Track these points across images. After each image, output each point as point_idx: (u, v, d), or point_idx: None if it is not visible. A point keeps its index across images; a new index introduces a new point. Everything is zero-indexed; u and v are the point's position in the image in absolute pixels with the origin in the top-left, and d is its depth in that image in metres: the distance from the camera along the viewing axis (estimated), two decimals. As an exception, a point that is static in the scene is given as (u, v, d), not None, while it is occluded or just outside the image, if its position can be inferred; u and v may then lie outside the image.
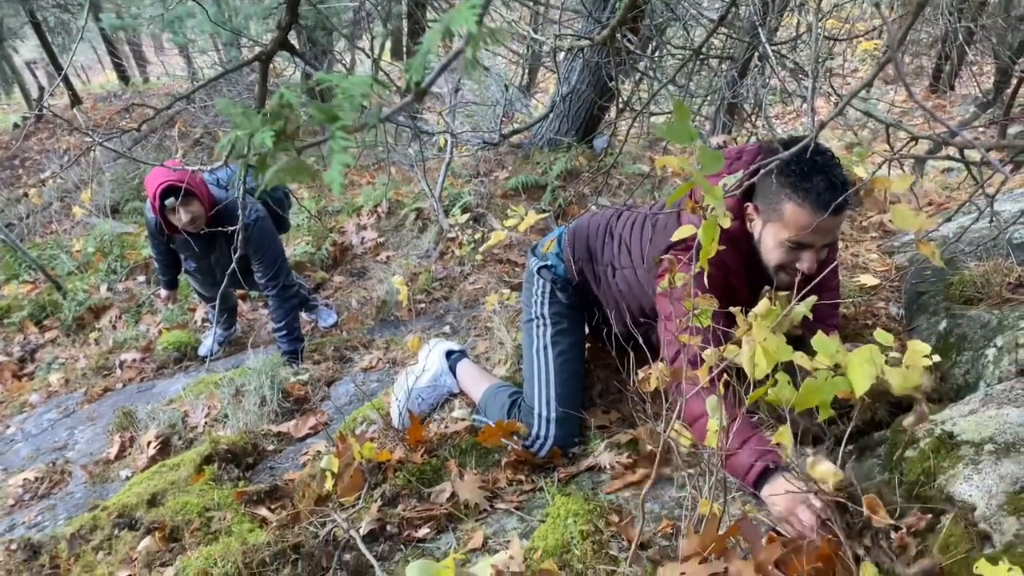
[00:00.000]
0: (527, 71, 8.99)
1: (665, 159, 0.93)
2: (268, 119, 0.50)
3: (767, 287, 1.93)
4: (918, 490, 1.52)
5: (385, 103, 0.51)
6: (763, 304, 1.05)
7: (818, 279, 1.31)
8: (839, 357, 1.00)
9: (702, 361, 1.34)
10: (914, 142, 1.36)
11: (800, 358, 1.00)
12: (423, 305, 4.41)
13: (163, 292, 4.39)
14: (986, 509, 1.36)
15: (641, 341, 1.97)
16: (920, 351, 0.96)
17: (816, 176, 1.80)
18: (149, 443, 3.05)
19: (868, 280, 2.76)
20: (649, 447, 2.04)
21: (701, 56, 4.74)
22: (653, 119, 4.88)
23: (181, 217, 3.45)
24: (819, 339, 0.97)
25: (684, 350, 1.63)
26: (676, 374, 1.37)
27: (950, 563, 1.34)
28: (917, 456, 1.60)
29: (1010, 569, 0.89)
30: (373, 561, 1.80)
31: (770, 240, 1.94)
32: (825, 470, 0.99)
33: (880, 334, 1.13)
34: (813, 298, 1.08)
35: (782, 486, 1.54)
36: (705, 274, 1.44)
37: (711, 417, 1.29)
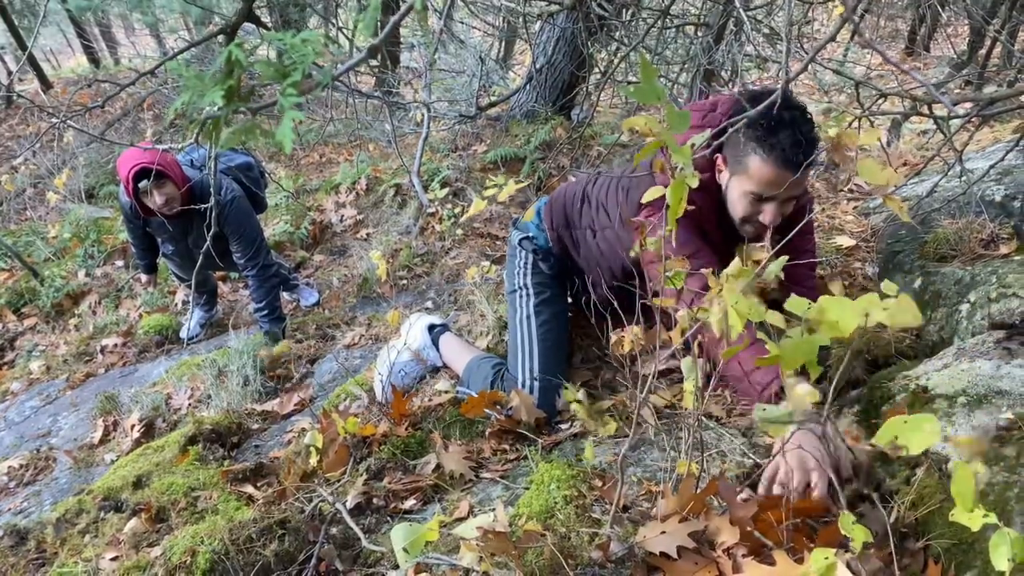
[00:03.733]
0: (503, 43, 8.92)
1: (632, 120, 0.93)
2: (218, 79, 0.50)
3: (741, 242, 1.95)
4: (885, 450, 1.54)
5: (339, 61, 0.50)
6: (735, 264, 1.06)
7: (790, 235, 1.32)
8: (812, 312, 1.01)
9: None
10: (882, 99, 1.37)
11: (773, 318, 1.01)
12: (405, 281, 4.41)
13: (143, 277, 4.35)
14: (959, 460, 1.38)
15: (617, 306, 1.98)
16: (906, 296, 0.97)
17: (783, 131, 1.80)
18: (133, 426, 3.04)
19: (844, 241, 2.78)
20: (629, 411, 2.05)
21: (675, 22, 4.72)
22: (626, 86, 4.87)
23: (155, 199, 3.41)
24: (792, 300, 0.98)
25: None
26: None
27: (923, 514, 1.37)
28: (893, 411, 1.63)
29: (986, 515, 0.91)
30: (360, 533, 1.81)
31: (735, 192, 1.96)
32: (801, 391, 1.00)
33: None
34: (784, 258, 1.09)
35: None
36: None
37: (686, 378, 1.31)
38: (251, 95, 0.53)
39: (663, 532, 1.28)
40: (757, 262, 1.47)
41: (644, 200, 1.28)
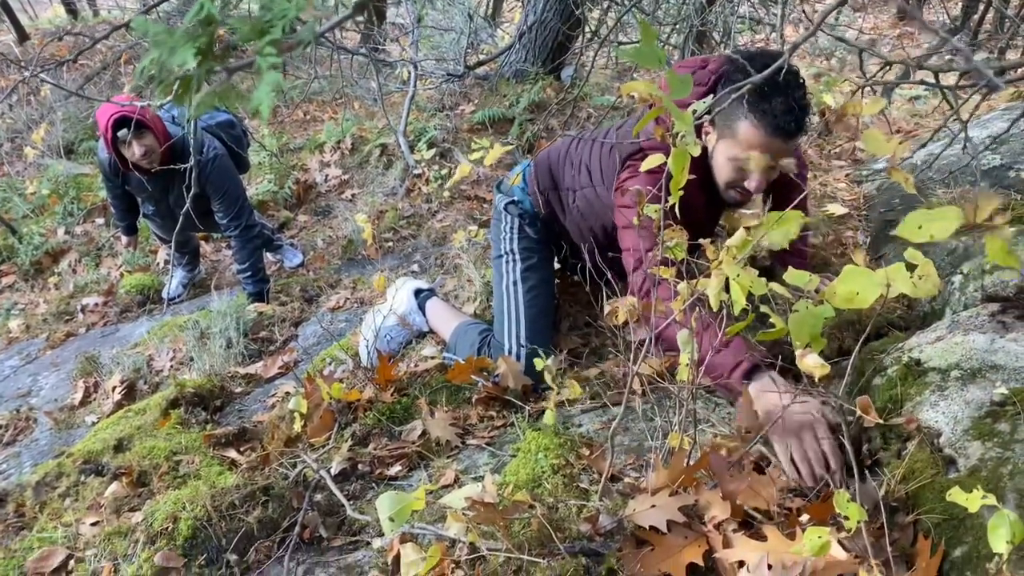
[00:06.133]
0: (492, 0, 8.75)
1: (632, 85, 0.89)
2: (189, 36, 0.45)
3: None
4: (885, 417, 1.53)
5: (323, 17, 0.46)
6: (738, 235, 1.03)
7: (793, 207, 1.28)
8: (812, 284, 0.98)
9: (669, 285, 1.32)
10: (887, 67, 1.33)
11: (780, 289, 0.98)
12: (390, 244, 4.35)
13: (123, 238, 4.27)
14: (951, 435, 1.37)
15: (608, 272, 1.95)
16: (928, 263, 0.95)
17: (776, 97, 1.75)
18: (114, 388, 3.00)
19: (836, 209, 2.76)
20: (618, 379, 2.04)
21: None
22: (621, 48, 4.78)
23: (134, 151, 3.32)
24: (792, 273, 0.95)
25: (648, 274, 1.61)
26: (645, 304, 1.35)
27: (915, 488, 1.36)
28: (884, 383, 1.62)
29: (984, 496, 0.89)
30: (344, 500, 1.79)
31: (721, 156, 1.91)
32: (812, 363, 0.98)
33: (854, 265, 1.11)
34: (788, 228, 1.06)
35: (771, 384, 1.54)
36: (657, 184, 1.41)
37: (683, 351, 1.28)
38: (228, 54, 0.48)
39: (653, 506, 1.27)
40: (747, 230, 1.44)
41: (644, 168, 1.24)
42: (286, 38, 0.44)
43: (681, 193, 1.11)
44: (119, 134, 3.26)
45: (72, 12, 13.01)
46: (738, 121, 1.82)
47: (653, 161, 1.21)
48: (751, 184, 1.89)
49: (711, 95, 1.86)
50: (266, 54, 0.43)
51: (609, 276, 1.70)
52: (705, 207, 2.07)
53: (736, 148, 1.85)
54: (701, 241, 1.22)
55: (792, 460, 1.44)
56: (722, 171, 1.93)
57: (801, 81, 1.80)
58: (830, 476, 1.41)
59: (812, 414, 1.46)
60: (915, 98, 5.19)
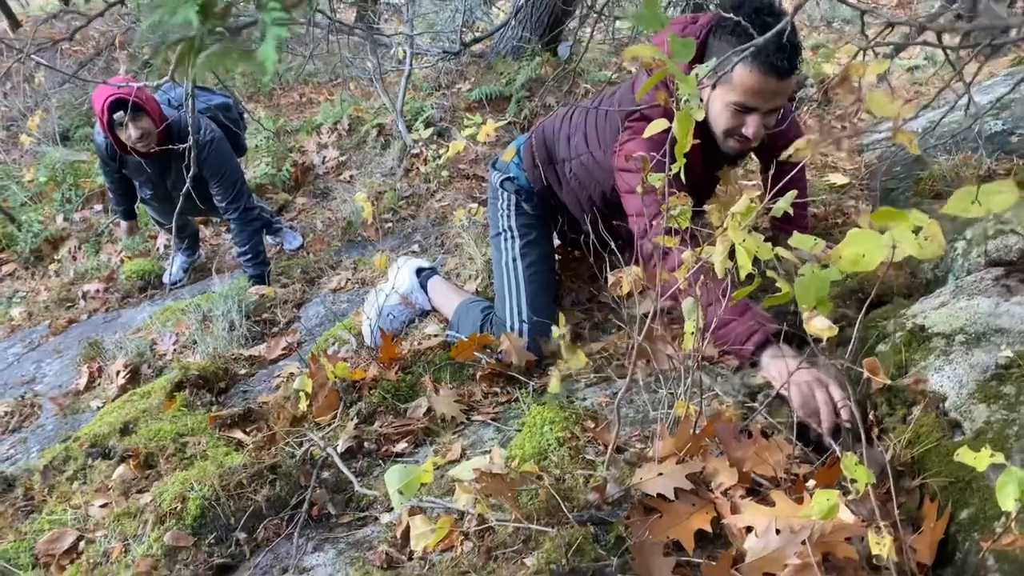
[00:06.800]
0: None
1: (635, 48, 0.88)
2: (188, -9, 0.44)
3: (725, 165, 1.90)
4: (891, 383, 1.53)
5: (325, -27, 0.45)
6: (742, 202, 1.02)
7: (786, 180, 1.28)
8: (818, 248, 0.98)
9: (673, 233, 1.33)
10: (889, 28, 1.31)
11: (785, 254, 0.98)
12: (390, 224, 4.34)
13: (122, 224, 4.25)
14: (956, 398, 1.37)
15: (612, 243, 1.95)
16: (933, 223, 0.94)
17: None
18: (118, 372, 3.00)
19: (837, 179, 2.75)
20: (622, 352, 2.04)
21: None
22: (618, 22, 4.75)
23: (131, 133, 3.30)
24: (798, 238, 0.95)
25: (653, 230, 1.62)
26: (649, 274, 1.34)
27: (920, 452, 1.36)
28: (889, 350, 1.62)
29: (992, 454, 0.89)
30: (351, 477, 1.80)
31: (717, 104, 1.90)
32: (820, 326, 0.98)
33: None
34: (793, 193, 1.05)
35: (779, 352, 1.57)
36: (660, 149, 1.41)
37: (687, 319, 1.28)
38: (227, 12, 0.48)
39: (660, 474, 1.27)
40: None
41: (646, 135, 1.23)
42: (290, -7, 0.43)
43: (684, 160, 1.10)
44: (115, 116, 3.25)
45: (63, -2, 12.91)
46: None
47: (656, 127, 1.20)
48: (749, 129, 1.88)
49: (704, 48, 1.86)
50: (271, 9, 0.43)
51: (613, 246, 1.70)
52: (703, 165, 2.05)
53: (732, 93, 1.84)
54: (705, 207, 1.21)
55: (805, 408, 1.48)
56: (719, 119, 1.92)
57: (791, 22, 1.79)
58: (844, 426, 1.44)
59: (820, 378, 1.50)
60: (914, 68, 5.16)
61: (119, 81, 3.38)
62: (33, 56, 1.54)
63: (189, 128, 2.72)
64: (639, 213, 1.97)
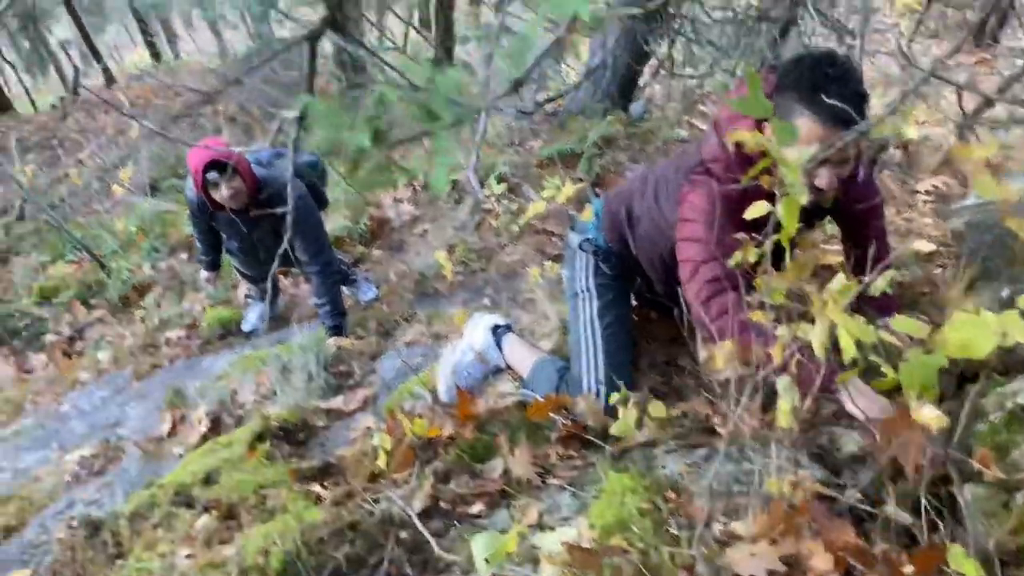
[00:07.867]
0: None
1: (739, 135, 0.90)
2: (363, 119, 0.48)
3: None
4: (990, 465, 1.48)
5: (479, 97, 0.48)
6: (839, 279, 1.01)
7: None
8: (922, 331, 0.96)
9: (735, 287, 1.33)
10: (988, 105, 1.30)
11: (889, 337, 0.97)
12: (461, 277, 4.40)
13: (204, 274, 4.40)
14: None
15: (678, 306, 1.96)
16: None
17: (831, 87, 1.73)
18: (200, 420, 3.09)
19: (923, 246, 2.68)
20: (705, 420, 2.01)
21: (739, 16, 4.62)
22: (691, 82, 4.78)
23: (223, 192, 3.45)
24: (899, 320, 0.93)
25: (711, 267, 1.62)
26: (743, 350, 1.34)
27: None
28: (987, 430, 1.55)
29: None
30: (430, 538, 1.81)
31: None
32: (929, 415, 0.95)
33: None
34: (892, 273, 1.04)
35: (867, 388, 1.61)
36: (721, 195, 1.41)
37: (782, 398, 1.26)
38: (388, 138, 0.51)
39: (752, 554, 1.24)
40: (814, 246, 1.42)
41: (747, 216, 1.24)
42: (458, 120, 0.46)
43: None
44: (208, 176, 3.40)
45: (155, 55, 13.67)
46: (796, 119, 1.79)
47: (756, 210, 1.20)
48: (821, 182, 1.86)
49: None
50: (442, 138, 0.46)
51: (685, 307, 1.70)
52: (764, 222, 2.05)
53: (799, 147, 1.84)
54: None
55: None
56: None
57: (855, 72, 1.78)
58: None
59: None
60: (995, 128, 5.04)
61: (215, 143, 3.55)
62: (142, 121, 1.64)
63: (279, 187, 2.82)
64: (689, 259, 1.98)
